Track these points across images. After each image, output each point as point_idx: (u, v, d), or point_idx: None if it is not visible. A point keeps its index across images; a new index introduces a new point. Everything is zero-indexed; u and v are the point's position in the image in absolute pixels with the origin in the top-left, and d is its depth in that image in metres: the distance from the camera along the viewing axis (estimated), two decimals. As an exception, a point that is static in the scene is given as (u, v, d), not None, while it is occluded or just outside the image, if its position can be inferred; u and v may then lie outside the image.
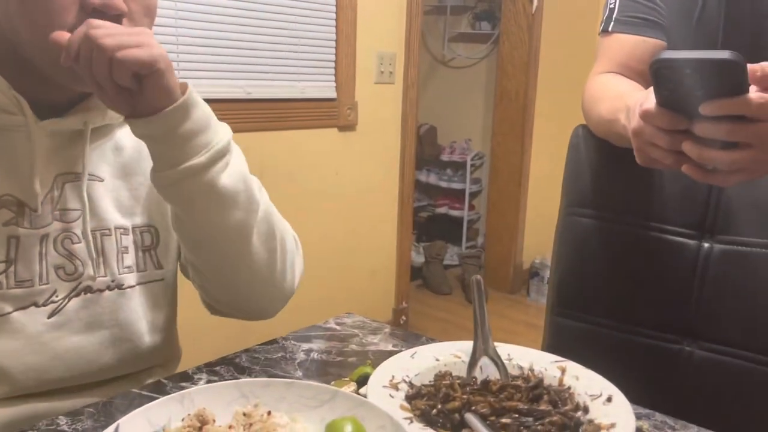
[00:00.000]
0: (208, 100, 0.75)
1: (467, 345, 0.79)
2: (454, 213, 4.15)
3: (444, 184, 4.16)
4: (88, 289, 0.78)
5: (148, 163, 0.75)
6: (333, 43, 2.18)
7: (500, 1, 3.40)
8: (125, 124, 0.75)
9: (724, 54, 0.63)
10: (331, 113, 2.22)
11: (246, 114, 1.93)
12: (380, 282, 2.67)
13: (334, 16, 2.15)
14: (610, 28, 1.05)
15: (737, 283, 0.94)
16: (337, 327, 0.95)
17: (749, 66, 0.66)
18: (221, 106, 1.80)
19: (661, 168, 0.77)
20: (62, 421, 0.67)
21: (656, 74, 0.68)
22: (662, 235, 0.98)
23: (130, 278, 0.82)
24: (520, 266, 3.54)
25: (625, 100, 0.84)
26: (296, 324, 0.96)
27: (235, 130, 0.78)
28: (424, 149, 4.25)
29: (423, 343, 0.84)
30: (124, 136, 0.84)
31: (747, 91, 0.66)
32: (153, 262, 0.85)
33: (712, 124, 0.67)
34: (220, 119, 0.76)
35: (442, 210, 4.20)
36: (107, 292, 0.80)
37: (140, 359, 0.84)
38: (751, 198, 0.92)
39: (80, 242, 0.78)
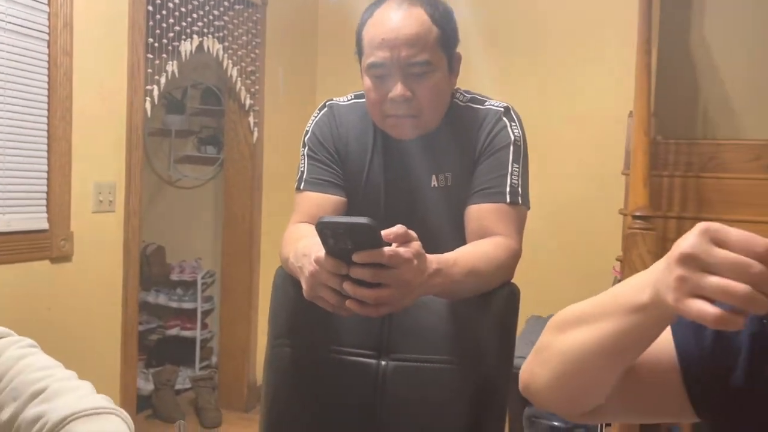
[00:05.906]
0: None
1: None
2: (186, 333, 4.06)
3: (174, 305, 4.07)
4: None
5: None
6: (44, 174, 2.11)
7: (223, 128, 3.61)
8: None
9: (363, 220, 0.87)
10: (42, 245, 2.12)
11: (-63, 253, 1.76)
12: (102, 419, 2.49)
13: (45, 147, 2.11)
14: (301, 187, 1.28)
15: (409, 393, 1.14)
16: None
17: (386, 230, 0.91)
18: None
19: (323, 305, 0.98)
20: None
21: (320, 233, 0.89)
22: (349, 357, 1.16)
23: None
24: (254, 384, 3.58)
25: (297, 245, 1.06)
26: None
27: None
28: (151, 269, 4.14)
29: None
30: None
31: (383, 246, 0.90)
32: None
33: (361, 269, 0.90)
34: None
35: (173, 331, 4.08)
36: None
37: None
38: (412, 323, 1.15)
39: None
